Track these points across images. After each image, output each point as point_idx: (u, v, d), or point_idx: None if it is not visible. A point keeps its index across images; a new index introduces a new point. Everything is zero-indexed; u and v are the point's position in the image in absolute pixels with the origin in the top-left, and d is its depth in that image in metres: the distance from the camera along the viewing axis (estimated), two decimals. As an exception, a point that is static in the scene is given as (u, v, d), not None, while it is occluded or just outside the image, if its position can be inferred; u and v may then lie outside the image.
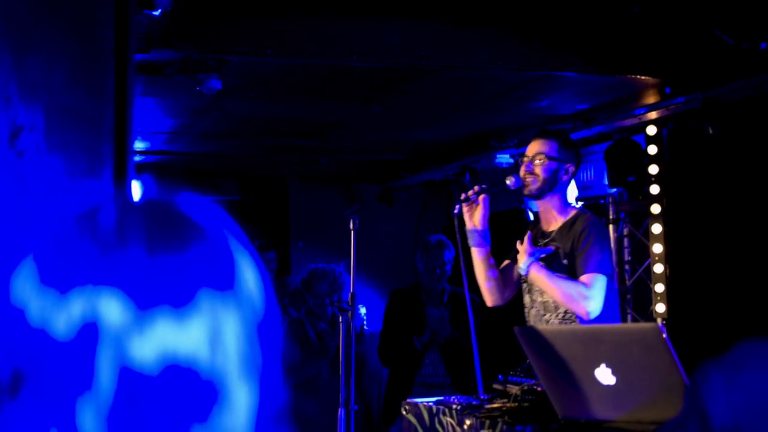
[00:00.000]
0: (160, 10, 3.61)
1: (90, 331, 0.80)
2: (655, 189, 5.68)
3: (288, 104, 5.69)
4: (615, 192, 6.06)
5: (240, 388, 0.84)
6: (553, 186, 3.97)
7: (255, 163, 8.30)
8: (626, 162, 5.71)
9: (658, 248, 5.68)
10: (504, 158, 7.09)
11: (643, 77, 4.88)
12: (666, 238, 5.67)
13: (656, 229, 5.68)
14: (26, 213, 1.71)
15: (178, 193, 0.91)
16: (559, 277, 3.80)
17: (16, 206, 1.72)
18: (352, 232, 4.88)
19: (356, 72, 4.71)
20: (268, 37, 4.21)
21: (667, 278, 5.65)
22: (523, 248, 3.89)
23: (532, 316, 4.03)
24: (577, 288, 3.73)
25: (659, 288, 5.67)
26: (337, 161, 8.07)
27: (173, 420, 0.80)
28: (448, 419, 3.55)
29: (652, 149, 5.67)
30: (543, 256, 3.89)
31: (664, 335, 2.71)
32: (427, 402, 3.79)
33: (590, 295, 3.71)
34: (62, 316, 0.80)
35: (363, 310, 8.11)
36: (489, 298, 4.19)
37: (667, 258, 5.66)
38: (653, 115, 5.46)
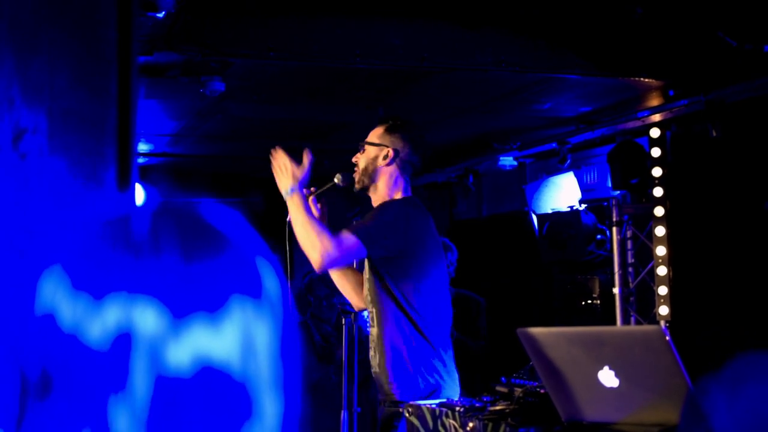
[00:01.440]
0: (163, 13, 3.62)
1: (125, 340, 0.80)
2: (658, 191, 5.67)
3: (290, 106, 5.69)
4: (618, 194, 6.06)
5: (269, 397, 0.85)
6: (373, 174, 3.80)
7: (258, 165, 8.29)
8: (629, 164, 5.70)
9: (661, 251, 5.68)
10: (507, 160, 7.09)
11: (646, 79, 4.88)
12: (669, 240, 5.66)
13: (659, 231, 5.68)
14: (30, 215, 1.71)
15: (198, 200, 0.92)
16: (311, 215, 3.61)
17: (20, 208, 1.72)
18: (354, 234, 4.87)
19: (359, 74, 4.71)
20: (271, 40, 4.22)
21: (671, 281, 5.65)
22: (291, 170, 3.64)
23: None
24: (324, 237, 3.52)
25: (662, 290, 5.66)
26: (339, 163, 8.06)
27: (209, 424, 0.80)
28: (451, 421, 3.55)
29: (656, 152, 5.66)
30: None
31: (667, 338, 2.70)
32: (430, 404, 3.78)
33: (330, 248, 3.50)
34: (96, 322, 0.81)
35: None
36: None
37: (670, 260, 5.66)
38: (656, 117, 5.46)
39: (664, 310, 5.64)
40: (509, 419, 3.26)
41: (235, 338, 0.83)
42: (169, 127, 6.24)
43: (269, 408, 0.85)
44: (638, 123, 5.61)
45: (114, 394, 0.80)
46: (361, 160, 3.81)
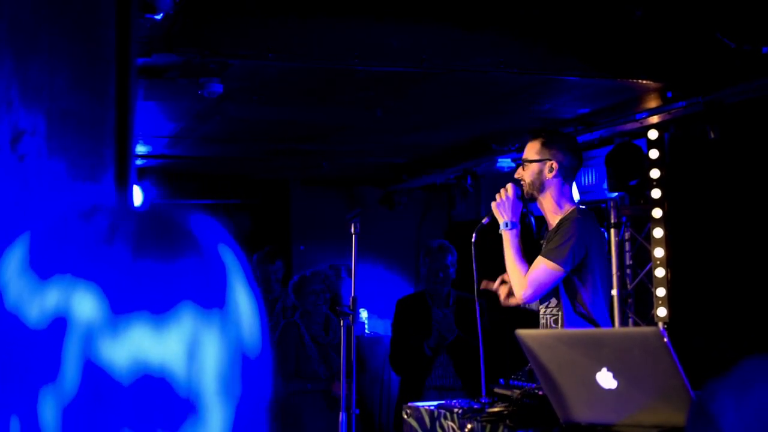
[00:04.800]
0: (161, 14, 3.62)
1: (60, 324, 0.78)
2: (656, 193, 5.68)
3: (289, 108, 5.69)
4: (616, 196, 6.06)
5: (215, 410, 0.82)
6: (540, 187, 4.01)
7: (256, 166, 8.31)
8: (628, 166, 5.71)
9: (659, 252, 5.68)
10: (505, 162, 7.09)
11: (644, 81, 4.89)
12: (667, 242, 5.67)
13: (658, 233, 5.68)
14: (28, 217, 1.71)
15: (186, 206, 0.90)
16: (520, 255, 3.91)
17: (18, 210, 1.72)
18: (353, 235, 4.89)
19: (358, 75, 4.71)
20: (270, 41, 4.22)
21: (669, 282, 5.65)
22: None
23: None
24: (520, 272, 3.86)
25: (660, 292, 5.66)
26: (338, 165, 8.08)
27: (137, 428, 0.78)
28: (449, 423, 3.55)
29: (654, 153, 5.67)
30: None
31: (665, 339, 2.70)
32: (428, 405, 3.78)
33: (525, 282, 3.82)
34: (36, 302, 0.79)
35: (364, 314, 8.11)
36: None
37: (668, 262, 5.66)
38: (655, 119, 5.46)
39: (662, 311, 5.65)
40: (507, 421, 3.27)
41: (179, 345, 0.80)
42: (167, 128, 6.23)
43: (214, 421, 0.82)
44: (636, 125, 5.61)
45: (45, 379, 0.78)
46: (525, 175, 4.06)
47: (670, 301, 5.62)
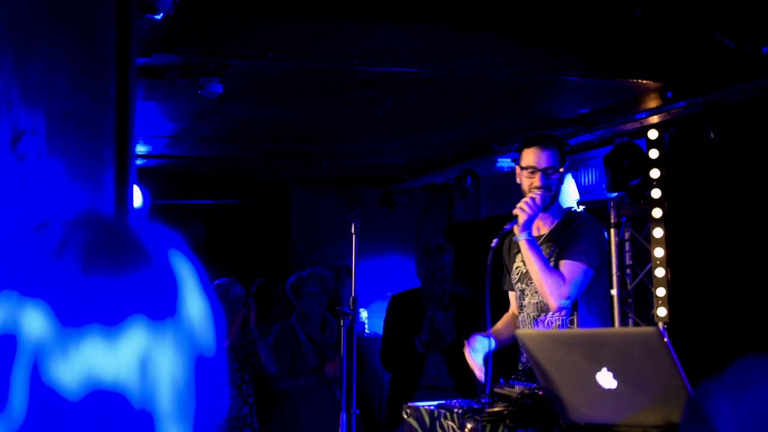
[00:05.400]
0: (161, 14, 3.62)
1: (7, 343, 0.76)
2: (656, 193, 5.68)
3: (289, 108, 5.69)
4: (616, 196, 6.06)
5: (172, 423, 0.81)
6: (557, 197, 4.00)
7: (256, 167, 8.31)
8: (628, 166, 5.71)
9: (659, 252, 5.68)
10: (505, 162, 7.09)
11: (644, 81, 4.89)
12: (667, 242, 5.67)
13: (657, 233, 5.68)
14: (28, 217, 1.71)
15: (143, 220, 0.88)
16: (545, 262, 3.80)
17: (18, 210, 1.72)
18: (353, 235, 4.89)
19: (358, 76, 4.71)
20: (270, 41, 4.22)
21: (669, 282, 5.65)
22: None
23: (521, 320, 4.01)
24: (556, 278, 3.75)
25: (660, 292, 5.66)
26: (338, 165, 8.08)
27: None
28: (450, 423, 3.55)
29: (654, 153, 5.67)
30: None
31: (665, 339, 2.70)
32: (429, 405, 3.78)
33: (564, 289, 3.73)
34: None
35: (364, 314, 8.12)
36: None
37: (668, 262, 5.66)
38: (655, 119, 5.46)
39: (662, 311, 5.65)
40: (507, 421, 3.27)
41: (131, 359, 0.78)
42: (167, 128, 6.23)
43: None
44: (636, 125, 5.61)
45: None
46: (553, 184, 3.97)
47: (670, 301, 5.62)
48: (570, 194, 6.39)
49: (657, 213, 5.68)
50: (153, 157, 7.32)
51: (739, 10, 4.24)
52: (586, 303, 3.87)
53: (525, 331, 3.12)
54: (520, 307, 4.03)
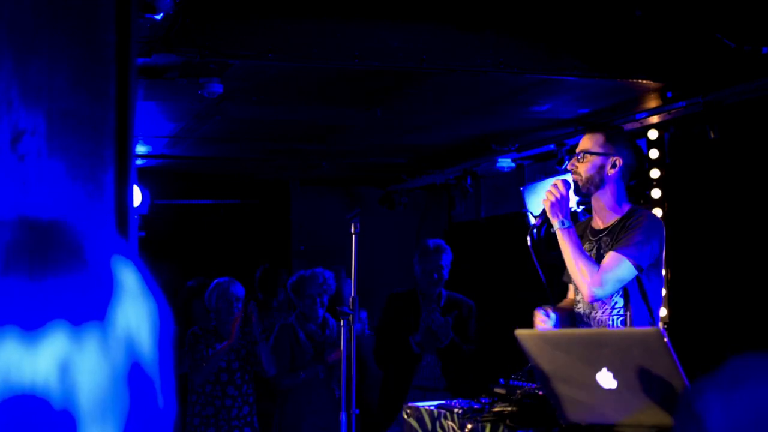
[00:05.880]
0: (161, 14, 3.62)
1: None
2: (656, 193, 5.68)
3: (289, 108, 5.69)
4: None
5: (95, 427, 0.79)
6: (600, 182, 3.79)
7: (256, 166, 8.31)
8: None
9: (659, 252, 5.68)
10: (505, 162, 7.09)
11: (644, 81, 4.89)
12: (667, 242, 5.66)
13: (658, 232, 5.68)
14: (28, 217, 1.71)
15: (84, 222, 0.87)
16: (581, 251, 3.65)
17: (18, 210, 1.72)
18: (353, 235, 4.89)
19: (357, 75, 4.71)
20: (270, 41, 4.22)
21: (669, 282, 5.65)
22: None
23: (577, 315, 3.88)
24: (588, 265, 3.59)
25: (661, 292, 5.66)
26: (338, 165, 8.08)
27: None
28: (450, 423, 3.55)
29: (654, 153, 5.67)
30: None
31: (665, 339, 2.70)
32: (429, 406, 3.78)
33: (601, 279, 3.57)
34: None
35: (364, 314, 8.10)
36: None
37: (668, 262, 5.65)
38: (655, 119, 5.46)
39: (662, 311, 5.64)
40: (507, 421, 3.27)
41: (50, 363, 0.77)
42: (167, 128, 6.23)
43: None
44: (636, 125, 5.61)
45: None
46: (582, 168, 3.79)
47: (670, 301, 5.62)
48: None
49: (657, 213, 5.68)
50: (153, 157, 7.32)
51: (739, 10, 4.24)
52: (641, 302, 3.71)
53: (525, 331, 3.12)
54: (576, 302, 3.89)
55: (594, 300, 3.66)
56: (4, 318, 0.77)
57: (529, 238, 3.78)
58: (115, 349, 0.81)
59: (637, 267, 3.62)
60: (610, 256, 3.63)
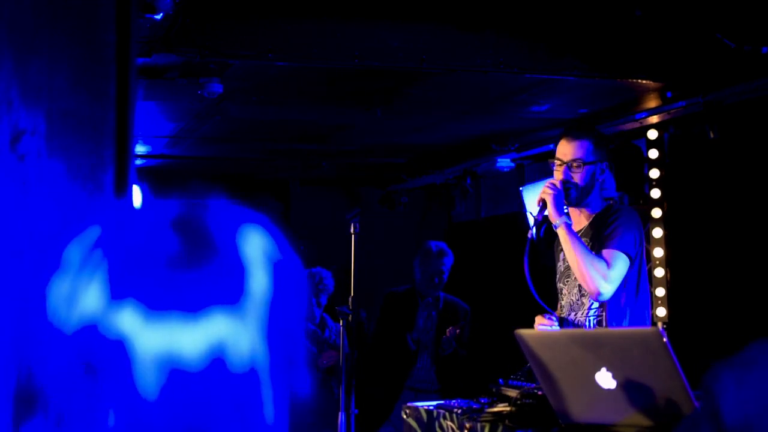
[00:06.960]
0: (161, 14, 3.62)
1: (121, 347, 0.85)
2: (656, 193, 5.68)
3: (289, 108, 5.69)
4: (616, 196, 6.06)
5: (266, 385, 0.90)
6: (591, 191, 3.77)
7: (256, 166, 8.31)
8: (627, 166, 5.71)
9: (659, 252, 5.68)
10: (505, 162, 7.09)
11: (644, 81, 4.89)
12: (667, 242, 5.67)
13: (657, 233, 5.68)
14: (28, 217, 1.71)
15: (207, 203, 0.96)
16: (585, 247, 3.62)
17: (18, 210, 1.72)
18: (353, 235, 4.89)
19: (357, 75, 4.71)
20: (270, 41, 4.22)
21: (668, 282, 5.65)
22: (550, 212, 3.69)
23: (563, 309, 3.86)
24: (598, 265, 3.55)
25: (660, 292, 5.66)
26: (338, 165, 8.08)
27: (219, 411, 0.85)
28: (449, 423, 3.55)
29: (653, 153, 5.67)
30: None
31: (664, 339, 2.71)
32: (428, 405, 3.79)
33: (608, 276, 3.54)
34: (109, 318, 0.86)
35: (363, 314, 8.11)
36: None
37: (667, 262, 5.66)
38: (654, 119, 5.47)
39: (661, 311, 5.65)
40: (506, 421, 3.27)
41: (212, 339, 0.87)
42: (167, 128, 6.24)
43: (267, 393, 0.90)
44: (636, 125, 5.61)
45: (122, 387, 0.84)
46: (579, 177, 3.75)
47: (669, 301, 5.62)
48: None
49: (656, 213, 5.68)
50: (153, 157, 7.32)
51: (739, 10, 4.24)
52: (620, 296, 3.68)
53: (525, 331, 3.12)
54: (560, 307, 3.87)
55: (600, 299, 3.63)
56: (171, 304, 0.86)
57: (527, 241, 3.75)
58: (255, 322, 0.91)
59: (630, 259, 3.62)
60: (606, 254, 3.61)
